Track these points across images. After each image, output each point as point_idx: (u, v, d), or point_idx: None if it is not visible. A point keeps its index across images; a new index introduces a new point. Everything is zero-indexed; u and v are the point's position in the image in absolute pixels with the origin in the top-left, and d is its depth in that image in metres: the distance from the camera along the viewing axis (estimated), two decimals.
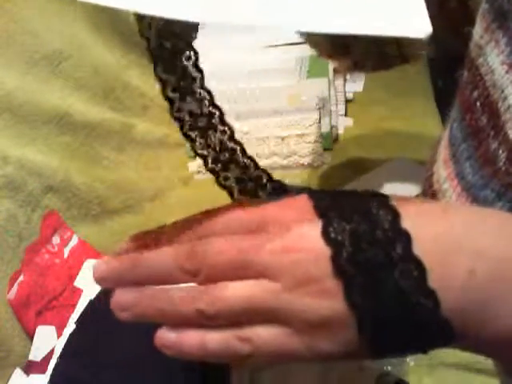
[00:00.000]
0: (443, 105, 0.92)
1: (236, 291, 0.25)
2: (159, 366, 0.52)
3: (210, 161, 0.33)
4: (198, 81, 0.34)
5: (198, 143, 0.33)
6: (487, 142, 0.38)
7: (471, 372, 0.54)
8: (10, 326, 0.62)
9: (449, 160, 0.45)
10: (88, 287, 0.64)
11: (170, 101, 0.34)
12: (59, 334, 0.60)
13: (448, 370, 0.54)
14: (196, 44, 0.97)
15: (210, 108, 0.34)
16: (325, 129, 0.83)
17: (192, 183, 0.85)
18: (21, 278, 0.64)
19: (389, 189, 0.73)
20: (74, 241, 0.70)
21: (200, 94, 0.33)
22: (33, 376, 0.59)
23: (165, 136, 0.91)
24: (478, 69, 0.39)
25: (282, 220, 0.27)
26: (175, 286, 0.27)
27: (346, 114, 0.90)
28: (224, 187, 0.33)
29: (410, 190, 0.72)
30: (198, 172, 0.86)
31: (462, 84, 0.43)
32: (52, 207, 0.71)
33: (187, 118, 0.33)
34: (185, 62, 0.33)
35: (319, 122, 0.82)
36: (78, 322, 0.57)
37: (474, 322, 0.25)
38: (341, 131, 0.87)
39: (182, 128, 0.33)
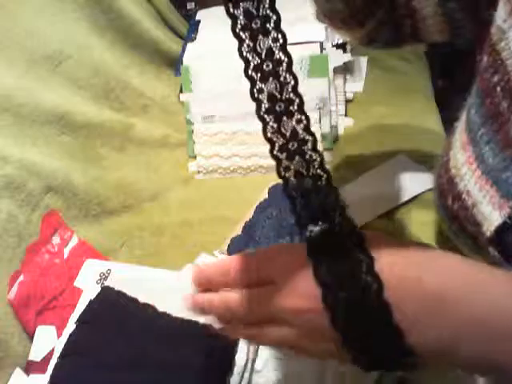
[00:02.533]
0: (443, 105, 0.92)
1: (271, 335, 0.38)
2: (158, 364, 0.52)
3: (276, 147, 0.34)
4: (284, 64, 0.33)
5: (269, 127, 0.34)
6: (507, 125, 0.40)
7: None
8: (10, 326, 0.62)
9: (467, 145, 0.45)
10: (88, 287, 0.64)
11: (251, 80, 0.34)
12: (59, 334, 0.60)
13: (448, 370, 0.54)
14: (196, 44, 0.97)
15: (291, 94, 0.34)
16: (325, 129, 0.83)
17: (192, 183, 0.85)
18: (21, 278, 0.64)
19: (389, 188, 0.73)
20: (74, 241, 0.70)
21: (285, 78, 0.34)
22: (33, 376, 0.59)
23: (165, 136, 0.91)
24: (499, 53, 0.40)
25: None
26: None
27: (346, 114, 0.90)
28: (282, 177, 0.35)
29: (410, 188, 0.72)
30: (198, 172, 0.86)
31: (481, 69, 0.42)
32: (52, 207, 0.71)
33: (266, 100, 0.34)
34: (271, 44, 0.33)
35: (319, 122, 0.82)
36: (78, 322, 0.57)
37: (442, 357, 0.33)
38: (341, 131, 0.87)
39: (258, 110, 0.34)
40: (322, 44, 0.86)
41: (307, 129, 0.35)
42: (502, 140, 0.41)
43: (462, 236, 0.48)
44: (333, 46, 0.88)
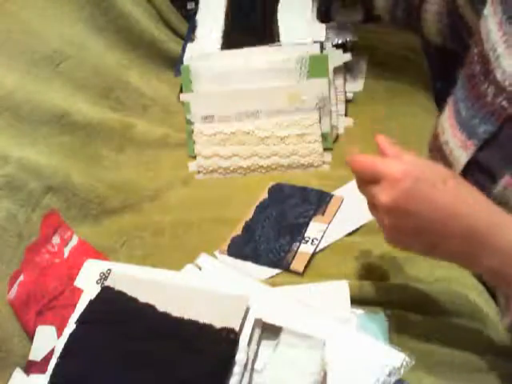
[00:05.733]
0: (443, 106, 0.92)
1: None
2: (158, 364, 0.52)
3: None
4: None
5: None
6: (478, 84, 0.56)
7: (468, 372, 0.55)
8: (10, 326, 0.62)
9: (451, 106, 0.63)
10: (88, 287, 0.64)
11: None
12: (59, 334, 0.60)
13: (446, 370, 0.54)
14: (196, 44, 0.97)
15: None
16: (325, 129, 0.83)
17: (192, 183, 0.85)
18: (21, 278, 0.64)
19: None
20: (74, 241, 0.70)
21: None
22: (33, 376, 0.59)
23: (165, 136, 0.91)
24: (480, 33, 0.57)
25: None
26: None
27: (346, 114, 0.90)
28: None
29: None
30: (198, 172, 0.86)
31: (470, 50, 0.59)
32: (52, 207, 0.71)
33: None
34: None
35: (319, 122, 0.82)
36: (78, 322, 0.57)
37: None
38: (341, 131, 0.87)
39: None
40: (322, 44, 0.86)
41: None
42: (473, 96, 0.57)
43: None
44: (333, 45, 0.88)
